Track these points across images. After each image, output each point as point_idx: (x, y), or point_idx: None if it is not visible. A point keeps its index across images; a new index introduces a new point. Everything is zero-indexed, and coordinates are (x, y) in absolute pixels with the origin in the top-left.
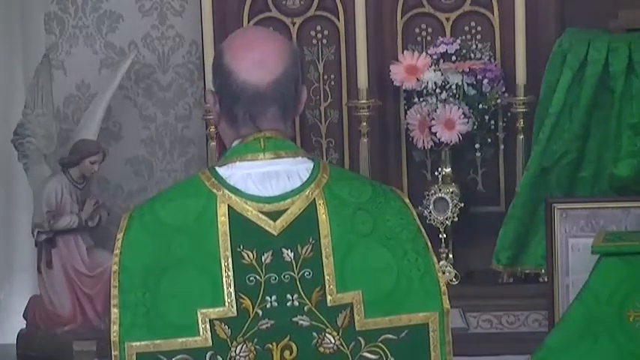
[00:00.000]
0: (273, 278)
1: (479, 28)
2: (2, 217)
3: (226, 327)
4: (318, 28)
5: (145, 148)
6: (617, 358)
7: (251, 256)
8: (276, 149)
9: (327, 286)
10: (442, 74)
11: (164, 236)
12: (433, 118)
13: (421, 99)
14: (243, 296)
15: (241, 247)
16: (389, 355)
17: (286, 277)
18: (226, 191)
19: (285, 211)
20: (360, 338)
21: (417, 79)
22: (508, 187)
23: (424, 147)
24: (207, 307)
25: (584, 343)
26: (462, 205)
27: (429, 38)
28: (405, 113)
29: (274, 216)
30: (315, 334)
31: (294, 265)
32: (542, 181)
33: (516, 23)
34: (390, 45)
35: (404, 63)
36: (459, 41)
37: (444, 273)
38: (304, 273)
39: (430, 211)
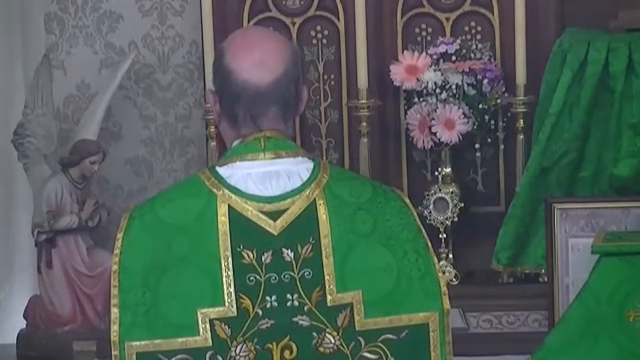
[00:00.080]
0: (273, 278)
1: (479, 28)
2: (2, 217)
3: (226, 327)
4: (318, 28)
5: (145, 148)
6: (617, 358)
7: (251, 255)
8: (276, 149)
9: (327, 286)
10: (442, 74)
11: (164, 236)
12: (433, 118)
13: (421, 99)
14: (243, 296)
15: (241, 246)
16: (389, 355)
17: (286, 276)
18: (226, 191)
19: (285, 210)
20: (360, 338)
21: (417, 79)
22: (508, 187)
23: (424, 147)
24: (207, 307)
25: (584, 343)
26: (462, 205)
27: (429, 38)
28: (405, 113)
29: (274, 216)
30: (315, 334)
31: (294, 265)
32: (542, 181)
33: (516, 23)
34: (390, 45)
35: (404, 63)
36: (459, 41)
37: (444, 273)
38: (304, 273)
39: (430, 211)
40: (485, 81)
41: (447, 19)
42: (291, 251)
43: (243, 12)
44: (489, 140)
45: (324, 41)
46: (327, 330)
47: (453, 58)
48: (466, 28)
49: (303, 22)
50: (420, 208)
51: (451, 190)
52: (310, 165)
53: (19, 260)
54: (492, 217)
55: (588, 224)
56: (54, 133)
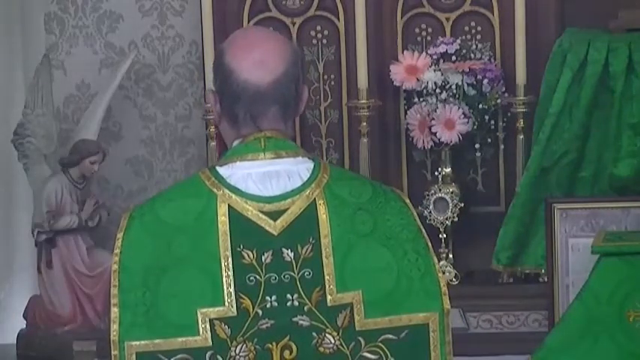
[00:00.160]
0: (273, 278)
1: (479, 28)
2: (2, 217)
3: (226, 327)
4: (318, 28)
5: (145, 148)
6: (617, 358)
7: (251, 255)
8: (276, 149)
9: (327, 286)
10: (442, 74)
11: (164, 236)
12: (433, 118)
13: (421, 99)
14: (243, 296)
15: (241, 246)
16: (389, 355)
17: (286, 276)
18: (226, 191)
19: (285, 210)
20: (360, 338)
21: (417, 79)
22: (508, 187)
23: (424, 147)
24: (207, 307)
25: (584, 343)
26: (462, 205)
27: (429, 38)
28: (405, 113)
29: (274, 216)
30: (314, 334)
31: (294, 265)
32: (542, 181)
33: (516, 23)
34: (390, 45)
35: (404, 63)
36: (459, 41)
37: (444, 273)
38: (304, 273)
39: (430, 211)
40: (486, 81)
41: (447, 19)
42: (291, 251)
43: (243, 12)
44: (489, 140)
45: (324, 41)
46: (327, 330)
47: (453, 58)
48: (466, 28)
49: (303, 22)
50: (420, 208)
51: (451, 190)
52: (310, 165)
53: (19, 260)
54: (492, 217)
55: (588, 224)
56: (54, 133)
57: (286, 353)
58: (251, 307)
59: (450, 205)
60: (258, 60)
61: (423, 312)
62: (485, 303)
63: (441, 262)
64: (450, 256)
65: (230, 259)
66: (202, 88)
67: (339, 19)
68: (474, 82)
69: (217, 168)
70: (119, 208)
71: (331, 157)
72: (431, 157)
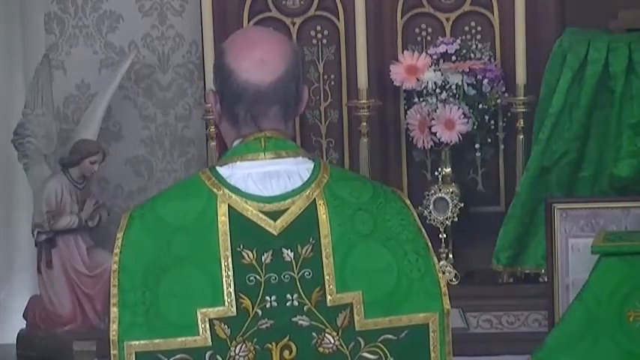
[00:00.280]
0: (273, 278)
1: (479, 28)
2: (2, 217)
3: (226, 327)
4: (318, 28)
5: (145, 148)
6: (617, 358)
7: (251, 255)
8: (276, 149)
9: (326, 286)
10: (442, 74)
11: (164, 235)
12: (433, 118)
13: (421, 99)
14: (242, 296)
15: (241, 246)
16: (388, 355)
17: (286, 277)
18: (227, 191)
19: (285, 210)
20: (359, 338)
21: (417, 79)
22: (508, 187)
23: (424, 147)
24: (206, 307)
25: (584, 343)
26: (462, 205)
27: (429, 38)
28: (405, 113)
29: (274, 216)
30: (314, 334)
31: (294, 265)
32: (542, 181)
33: (516, 23)
34: (390, 45)
35: (404, 63)
36: (459, 41)
37: (444, 273)
38: (304, 273)
39: (430, 211)
40: (486, 81)
41: (447, 19)
42: (291, 251)
43: (243, 12)
44: (489, 140)
45: (324, 41)
46: (327, 330)
47: (453, 58)
48: (466, 28)
49: (303, 22)
50: (420, 208)
51: (451, 190)
52: (310, 165)
53: (19, 260)
54: (492, 217)
55: (588, 224)
56: (54, 133)
57: (286, 353)
58: (251, 307)
59: (450, 205)
60: (259, 60)
61: (423, 312)
62: (485, 303)
63: (441, 262)
64: (450, 256)
65: (230, 259)
66: (202, 88)
67: (339, 19)
68: (474, 82)
69: (217, 168)
70: (119, 208)
71: (331, 157)
72: (431, 157)
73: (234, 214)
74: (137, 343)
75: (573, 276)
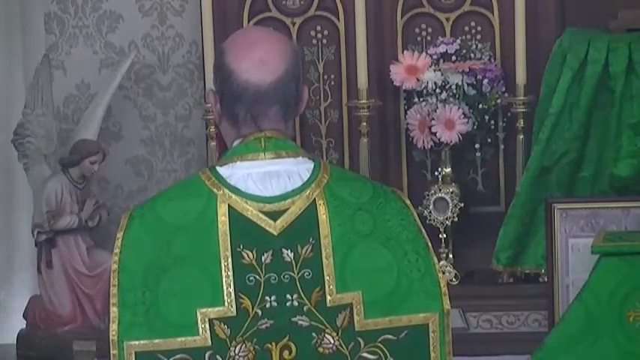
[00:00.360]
0: (273, 278)
1: (479, 28)
2: (2, 217)
3: (225, 327)
4: (318, 28)
5: (145, 148)
6: (617, 358)
7: (251, 255)
8: (276, 149)
9: (326, 287)
10: (442, 74)
11: (164, 235)
12: (433, 118)
13: (421, 99)
14: (242, 296)
15: (241, 246)
16: (388, 355)
17: (286, 277)
18: (227, 191)
19: (285, 211)
20: (359, 338)
21: (417, 79)
22: (508, 187)
23: (424, 147)
24: (206, 307)
25: (584, 343)
26: (462, 205)
27: (429, 38)
28: (405, 113)
29: (274, 216)
30: (314, 334)
31: (294, 265)
32: (542, 181)
33: (516, 23)
34: (390, 45)
35: (404, 63)
36: (459, 41)
37: (444, 273)
38: (304, 273)
39: (430, 211)
40: (486, 81)
41: (447, 19)
42: (291, 251)
43: (243, 12)
44: (489, 140)
45: (324, 41)
46: (327, 330)
47: (453, 58)
48: (466, 28)
49: (303, 22)
50: (420, 208)
51: (451, 190)
52: (310, 165)
53: (19, 260)
54: (492, 217)
55: (588, 224)
56: (54, 133)
57: (285, 353)
58: (250, 307)
59: (450, 205)
60: (259, 60)
61: (423, 312)
62: (485, 303)
63: (441, 262)
64: (450, 256)
65: (230, 259)
66: (202, 88)
67: (339, 19)
68: (474, 82)
69: (217, 168)
70: (119, 208)
71: (331, 157)
72: (431, 157)
73: (234, 214)
74: (137, 343)
75: (573, 276)
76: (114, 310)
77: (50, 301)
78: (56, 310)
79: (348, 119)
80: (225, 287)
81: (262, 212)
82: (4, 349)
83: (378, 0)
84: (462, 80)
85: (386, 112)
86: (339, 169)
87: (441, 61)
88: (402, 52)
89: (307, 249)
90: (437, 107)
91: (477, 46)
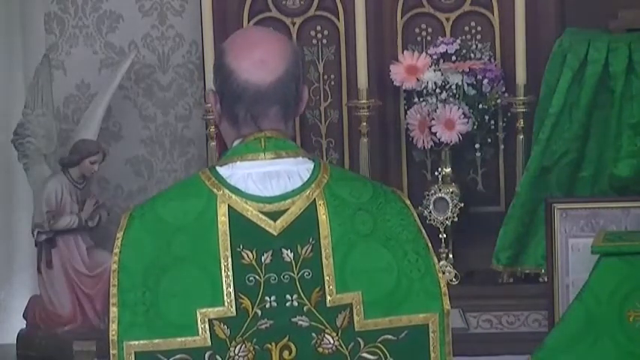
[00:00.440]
0: (273, 278)
1: (479, 28)
2: (2, 217)
3: (225, 327)
4: (318, 28)
5: (145, 148)
6: (617, 358)
7: (251, 256)
8: (276, 149)
9: (326, 287)
10: (442, 74)
11: (164, 235)
12: (433, 118)
13: (421, 99)
14: (242, 296)
15: (241, 247)
16: (388, 355)
17: (286, 277)
18: (227, 191)
19: (285, 211)
20: (359, 339)
21: (417, 79)
22: (508, 187)
23: (424, 147)
24: (206, 307)
25: (584, 343)
26: (462, 205)
27: (429, 38)
28: (405, 113)
29: (274, 216)
30: (314, 334)
31: (294, 266)
32: (542, 181)
33: (516, 23)
34: (390, 45)
35: (404, 63)
36: (459, 41)
37: (444, 273)
38: (304, 273)
39: (430, 211)
40: (486, 81)
41: (447, 19)
42: (291, 251)
43: (243, 12)
44: (489, 140)
45: (324, 41)
46: (327, 330)
47: (453, 58)
48: (466, 28)
49: (303, 22)
50: (420, 208)
51: (451, 190)
52: (310, 165)
53: (19, 260)
54: (492, 217)
55: (588, 224)
56: (54, 133)
57: (285, 353)
58: (250, 307)
59: (450, 205)
60: (259, 60)
61: (423, 312)
62: (486, 303)
63: (441, 262)
64: (450, 256)
65: (230, 260)
66: (202, 88)
67: (339, 19)
68: (474, 82)
69: (217, 168)
70: (119, 208)
71: (331, 157)
72: (431, 157)
73: (234, 215)
74: (137, 343)
75: (573, 276)
76: (114, 310)
77: (50, 301)
78: (56, 310)
79: (348, 119)
80: (225, 287)
81: (262, 212)
82: (4, 349)
83: (378, 0)
84: (462, 80)
85: (386, 112)
86: (339, 169)
87: (441, 61)
88: (402, 52)
89: (307, 249)
90: (437, 107)
91: (477, 46)
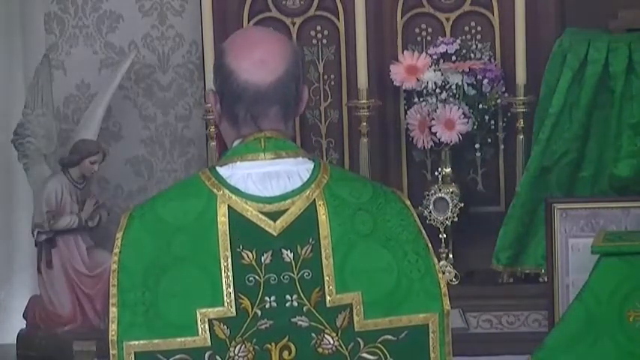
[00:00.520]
0: (273, 278)
1: (479, 28)
2: (2, 217)
3: (225, 327)
4: (318, 28)
5: (145, 148)
6: (617, 358)
7: (251, 256)
8: (276, 149)
9: (326, 287)
10: (442, 74)
11: (164, 235)
12: (433, 118)
13: (421, 99)
14: (242, 296)
15: (241, 247)
16: (388, 356)
17: (286, 277)
18: (226, 191)
19: (285, 211)
20: (359, 339)
21: (417, 79)
22: (508, 187)
23: (424, 147)
24: (206, 307)
25: (584, 343)
26: (462, 205)
27: (429, 38)
28: (405, 113)
29: (274, 216)
30: (313, 334)
31: (294, 266)
32: (542, 181)
33: (516, 23)
34: (390, 45)
35: (404, 63)
36: (459, 41)
37: (444, 273)
38: (304, 273)
39: (430, 211)
40: (486, 81)
41: (447, 19)
42: (291, 252)
43: (243, 12)
44: (489, 140)
45: (324, 41)
46: (326, 331)
47: (453, 58)
48: (466, 28)
49: (303, 22)
50: (420, 208)
51: (451, 190)
52: (310, 165)
53: (19, 260)
54: (492, 217)
55: (588, 224)
56: (54, 133)
57: (285, 354)
58: (250, 307)
59: (450, 205)
60: (259, 60)
61: (423, 313)
62: (485, 303)
63: (441, 262)
64: (450, 256)
65: (230, 260)
66: (202, 88)
67: (339, 19)
68: (474, 82)
69: (217, 168)
70: (119, 208)
71: (331, 157)
72: (431, 157)
73: (233, 215)
74: (136, 343)
75: (573, 276)
76: (113, 310)
77: (50, 301)
78: (56, 310)
79: (348, 119)
80: (224, 287)
81: (262, 212)
82: (4, 349)
83: (378, 0)
84: (462, 80)
85: (386, 112)
86: (339, 169)
87: (441, 61)
88: (402, 52)
89: (307, 249)
90: (437, 107)
91: (477, 46)
